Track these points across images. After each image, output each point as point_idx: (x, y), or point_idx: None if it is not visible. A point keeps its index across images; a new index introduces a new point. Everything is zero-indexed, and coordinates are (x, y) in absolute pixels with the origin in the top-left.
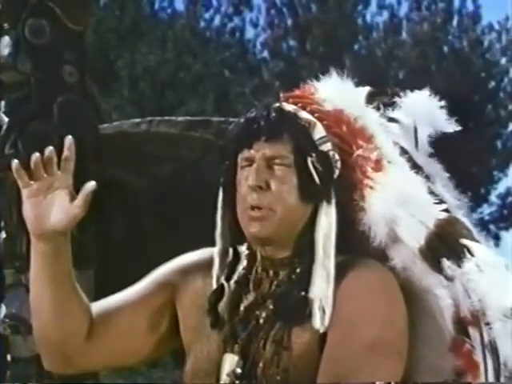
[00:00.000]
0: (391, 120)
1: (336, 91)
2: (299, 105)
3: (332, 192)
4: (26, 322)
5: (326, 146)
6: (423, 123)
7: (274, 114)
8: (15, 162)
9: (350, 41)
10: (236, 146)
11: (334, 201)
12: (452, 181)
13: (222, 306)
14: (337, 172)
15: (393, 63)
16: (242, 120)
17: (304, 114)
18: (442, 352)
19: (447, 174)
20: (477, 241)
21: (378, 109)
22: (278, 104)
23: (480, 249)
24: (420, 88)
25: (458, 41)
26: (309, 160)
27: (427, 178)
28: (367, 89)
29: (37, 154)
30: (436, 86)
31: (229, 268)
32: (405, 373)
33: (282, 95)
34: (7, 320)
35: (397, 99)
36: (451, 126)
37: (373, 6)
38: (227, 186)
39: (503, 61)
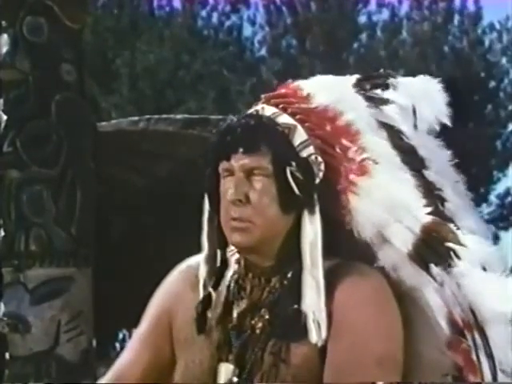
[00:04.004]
0: (385, 102)
1: (320, 84)
2: (281, 106)
3: (315, 200)
4: (25, 321)
5: (308, 151)
6: (422, 104)
7: (251, 123)
8: None
9: (350, 39)
10: (215, 157)
11: (317, 208)
12: (454, 157)
13: (213, 313)
14: (320, 175)
15: (393, 62)
16: (220, 129)
17: (283, 119)
18: (440, 347)
19: (448, 152)
20: (462, 244)
21: (369, 92)
22: (254, 111)
23: (466, 252)
24: None
25: (459, 41)
26: (288, 170)
27: (421, 162)
28: (355, 76)
29: None
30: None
31: (216, 275)
32: (406, 371)
33: (263, 96)
34: (5, 318)
35: (391, 80)
36: (449, 110)
37: (373, 5)
38: (211, 193)
39: (504, 61)
